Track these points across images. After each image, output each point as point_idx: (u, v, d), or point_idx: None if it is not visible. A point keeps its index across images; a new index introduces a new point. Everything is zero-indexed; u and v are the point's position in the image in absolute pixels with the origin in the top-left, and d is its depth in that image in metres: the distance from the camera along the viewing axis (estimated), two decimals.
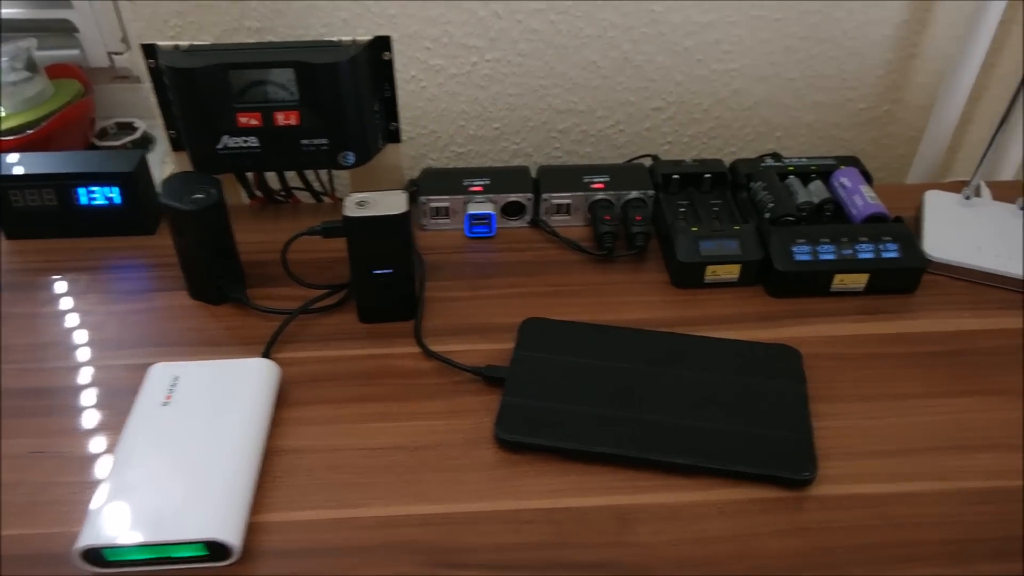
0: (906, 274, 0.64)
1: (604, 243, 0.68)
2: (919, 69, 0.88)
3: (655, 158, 0.76)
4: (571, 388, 0.54)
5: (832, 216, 0.70)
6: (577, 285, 0.66)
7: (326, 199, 0.76)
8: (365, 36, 0.65)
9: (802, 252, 0.63)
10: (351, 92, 0.63)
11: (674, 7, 0.81)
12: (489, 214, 0.70)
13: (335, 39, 0.64)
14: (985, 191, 0.74)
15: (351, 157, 0.67)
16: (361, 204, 0.57)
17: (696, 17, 0.82)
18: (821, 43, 0.84)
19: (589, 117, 0.88)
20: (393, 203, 0.57)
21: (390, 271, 0.59)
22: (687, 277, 0.65)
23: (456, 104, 0.86)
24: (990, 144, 0.71)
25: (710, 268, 0.64)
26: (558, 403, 0.53)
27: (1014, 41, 0.85)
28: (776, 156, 0.74)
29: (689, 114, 0.89)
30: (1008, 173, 0.86)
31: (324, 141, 0.65)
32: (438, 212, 0.71)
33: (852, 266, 0.63)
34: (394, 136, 0.71)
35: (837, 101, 0.90)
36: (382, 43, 0.65)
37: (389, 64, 0.67)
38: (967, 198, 0.72)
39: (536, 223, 0.72)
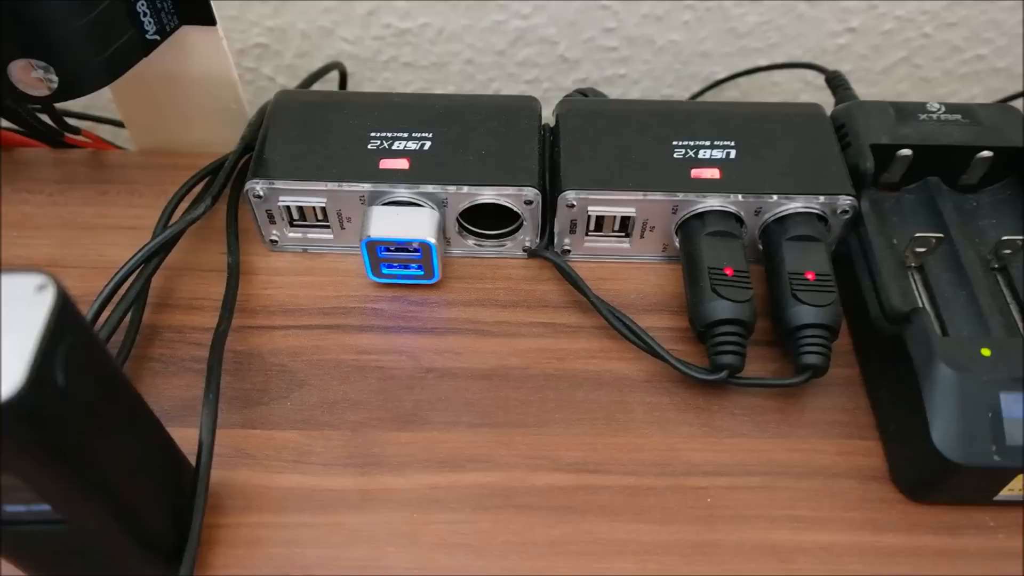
0: None
1: (718, 349, 0.26)
2: None
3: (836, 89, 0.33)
4: None
5: None
6: (650, 464, 0.25)
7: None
8: None
9: None
10: None
11: None
12: (424, 243, 0.28)
13: None
14: None
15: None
16: None
17: None
18: None
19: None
20: None
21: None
22: (947, 486, 0.24)
23: None
24: None
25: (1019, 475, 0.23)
26: None
27: None
28: None
29: None
30: None
31: None
32: (295, 216, 0.30)
33: None
34: (202, 10, 0.30)
35: None
36: None
37: None
38: None
39: (550, 257, 0.30)
